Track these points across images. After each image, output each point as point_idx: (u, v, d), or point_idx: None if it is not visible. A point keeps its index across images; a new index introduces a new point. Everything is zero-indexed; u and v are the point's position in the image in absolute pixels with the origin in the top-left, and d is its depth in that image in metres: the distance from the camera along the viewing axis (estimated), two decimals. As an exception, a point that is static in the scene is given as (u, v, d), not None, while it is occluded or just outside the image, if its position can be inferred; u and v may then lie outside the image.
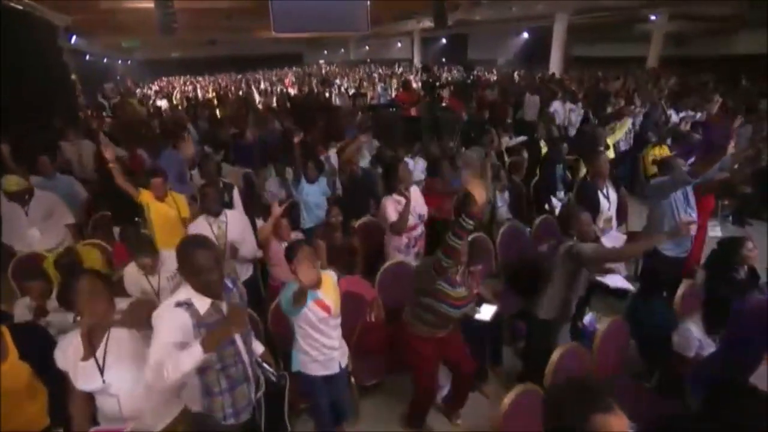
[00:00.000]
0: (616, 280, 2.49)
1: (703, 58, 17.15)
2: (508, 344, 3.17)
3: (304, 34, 18.21)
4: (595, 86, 10.42)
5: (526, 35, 21.86)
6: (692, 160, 3.62)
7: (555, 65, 16.67)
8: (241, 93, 12.73)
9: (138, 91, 15.79)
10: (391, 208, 2.85)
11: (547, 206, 3.99)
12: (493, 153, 3.68)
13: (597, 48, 20.13)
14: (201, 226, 2.72)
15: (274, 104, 10.40)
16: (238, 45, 23.93)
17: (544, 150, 4.90)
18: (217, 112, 8.99)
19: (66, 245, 3.41)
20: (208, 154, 3.71)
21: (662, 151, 5.51)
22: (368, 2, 10.92)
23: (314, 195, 3.64)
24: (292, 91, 12.78)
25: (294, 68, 25.31)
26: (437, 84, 9.03)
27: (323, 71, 21.25)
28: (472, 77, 10.66)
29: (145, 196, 3.11)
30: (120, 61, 24.72)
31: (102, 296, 1.70)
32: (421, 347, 2.29)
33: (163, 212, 3.15)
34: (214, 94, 12.47)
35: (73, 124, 6.16)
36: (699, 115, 6.23)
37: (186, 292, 1.62)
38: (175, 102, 10.95)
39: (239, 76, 20.48)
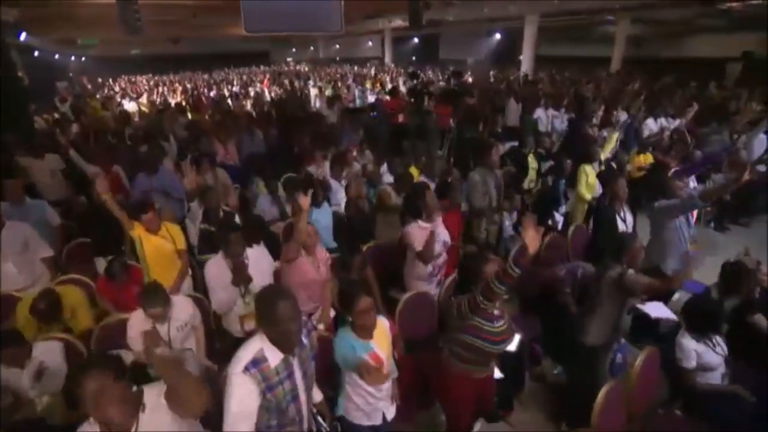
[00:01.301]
0: (657, 310, 2.49)
1: (661, 59, 18.12)
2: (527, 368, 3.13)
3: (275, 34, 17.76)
4: (569, 89, 10.68)
5: (498, 36, 22.19)
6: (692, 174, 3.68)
7: (526, 65, 17.03)
8: (212, 95, 12.10)
9: (98, 92, 14.71)
10: (418, 236, 2.72)
11: (550, 222, 3.98)
12: (499, 172, 3.63)
13: (560, 48, 20.75)
14: (218, 265, 2.47)
15: (248, 107, 10.01)
16: (203, 42, 22.99)
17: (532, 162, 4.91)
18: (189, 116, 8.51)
19: (43, 283, 3.06)
20: (211, 187, 3.40)
21: (646, 159, 5.67)
22: (342, 2, 10.68)
23: (323, 219, 3.45)
24: (268, 93, 12.31)
25: (263, 67, 24.56)
26: (425, 91, 8.93)
27: (297, 71, 20.66)
28: (458, 83, 10.60)
29: (138, 230, 2.83)
30: (73, 58, 23.16)
31: (119, 399, 1.31)
32: (458, 387, 2.20)
33: (158, 246, 2.88)
34: (183, 96, 11.77)
35: (29, 136, 5.58)
36: (677, 122, 6.45)
37: (259, 342, 1.54)
38: (142, 107, 10.26)
39: (205, 76, 19.61)
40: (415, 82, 10.27)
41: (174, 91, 12.76)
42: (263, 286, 1.77)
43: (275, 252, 3.63)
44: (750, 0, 12.51)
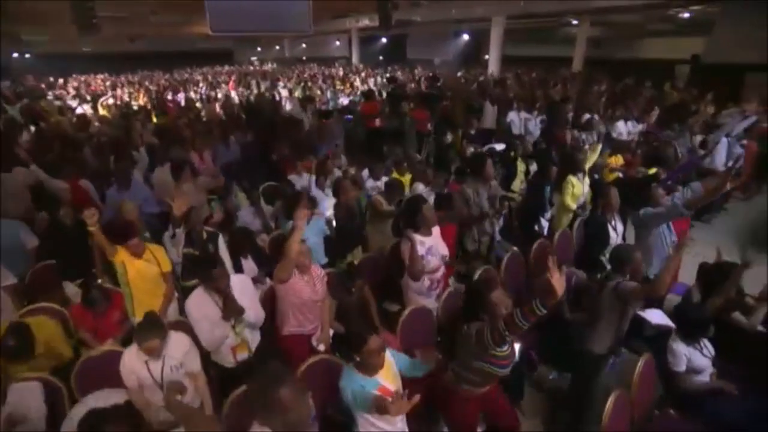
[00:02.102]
0: (656, 316, 2.59)
1: (617, 60, 19.06)
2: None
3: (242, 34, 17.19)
4: (536, 90, 10.97)
5: (466, 36, 22.55)
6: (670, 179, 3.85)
7: (493, 65, 17.42)
8: (180, 97, 11.51)
9: (49, 92, 13.68)
10: (418, 248, 2.69)
11: (536, 228, 4.06)
12: (494, 183, 3.66)
13: (524, 48, 21.36)
14: (202, 301, 2.31)
15: (218, 110, 9.63)
16: (162, 40, 21.98)
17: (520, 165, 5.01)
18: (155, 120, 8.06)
19: (6, 315, 2.78)
20: (192, 208, 3.19)
21: (617, 161, 5.90)
22: (310, 1, 10.49)
23: (312, 235, 3.34)
24: (235, 96, 11.89)
25: (227, 67, 23.77)
26: (403, 95, 8.90)
27: (264, 72, 20.09)
28: (435, 87, 10.64)
29: (122, 255, 2.63)
30: (16, 55, 21.55)
31: None
32: (464, 407, 2.20)
33: (142, 270, 2.70)
34: (146, 99, 11.12)
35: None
36: (641, 125, 6.75)
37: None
38: (102, 110, 9.62)
39: (167, 76, 18.73)
40: (392, 87, 10.21)
41: (137, 93, 12.03)
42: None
43: (263, 266, 3.54)
44: (694, 6, 13.40)
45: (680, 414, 2.56)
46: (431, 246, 2.73)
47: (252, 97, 11.61)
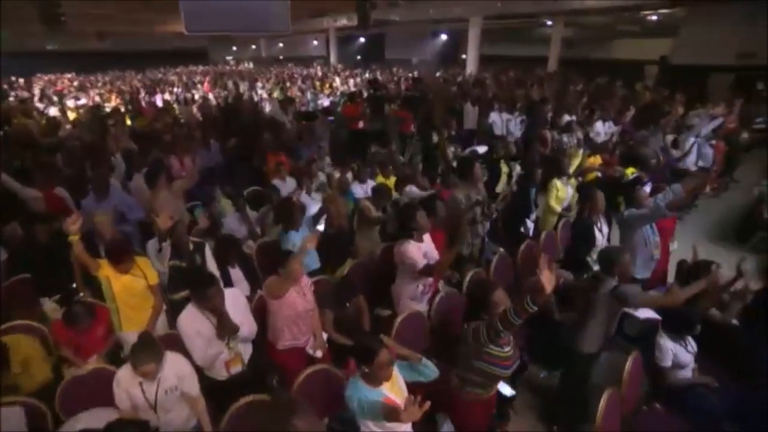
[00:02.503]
0: (644, 312, 2.69)
1: (590, 60, 19.60)
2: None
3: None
4: (514, 91, 11.16)
5: (444, 36, 22.71)
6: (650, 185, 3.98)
7: (471, 65, 17.64)
8: (158, 99, 11.13)
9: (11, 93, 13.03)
10: (415, 254, 2.70)
11: (522, 229, 4.13)
12: (481, 186, 3.70)
13: (500, 47, 21.69)
14: (195, 318, 2.24)
15: (195, 111, 9.39)
16: (133, 38, 21.27)
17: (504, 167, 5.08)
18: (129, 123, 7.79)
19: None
20: (178, 221, 3.11)
21: (596, 161, 6.08)
22: (289, 0, 10.36)
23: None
24: (213, 97, 11.63)
25: (201, 67, 23.22)
26: (386, 97, 8.89)
27: (241, 72, 19.71)
28: (418, 89, 10.67)
29: (106, 270, 2.54)
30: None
31: None
32: (472, 412, 2.24)
33: (129, 284, 2.61)
34: (119, 100, 10.71)
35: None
36: (617, 127, 6.95)
37: None
38: (70, 112, 9.22)
39: (139, 76, 18.15)
40: (374, 89, 10.18)
41: (108, 94, 11.55)
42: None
43: (250, 275, 3.47)
44: (661, 9, 13.92)
45: (665, 408, 2.66)
46: (426, 251, 2.75)
47: (230, 99, 11.39)
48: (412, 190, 4.01)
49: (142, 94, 12.06)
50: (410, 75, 16.69)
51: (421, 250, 2.71)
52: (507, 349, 2.09)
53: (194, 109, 9.47)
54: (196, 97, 11.62)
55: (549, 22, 17.12)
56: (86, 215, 3.78)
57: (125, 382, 2.00)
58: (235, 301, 2.33)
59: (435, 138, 5.95)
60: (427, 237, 2.86)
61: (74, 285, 3.15)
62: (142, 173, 4.25)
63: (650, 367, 2.70)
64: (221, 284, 2.32)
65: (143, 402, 1.99)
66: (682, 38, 13.42)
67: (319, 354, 2.63)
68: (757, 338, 2.63)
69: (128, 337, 2.57)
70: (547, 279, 1.75)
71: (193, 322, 2.19)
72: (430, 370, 2.12)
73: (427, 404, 1.71)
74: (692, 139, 5.76)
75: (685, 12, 12.99)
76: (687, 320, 2.60)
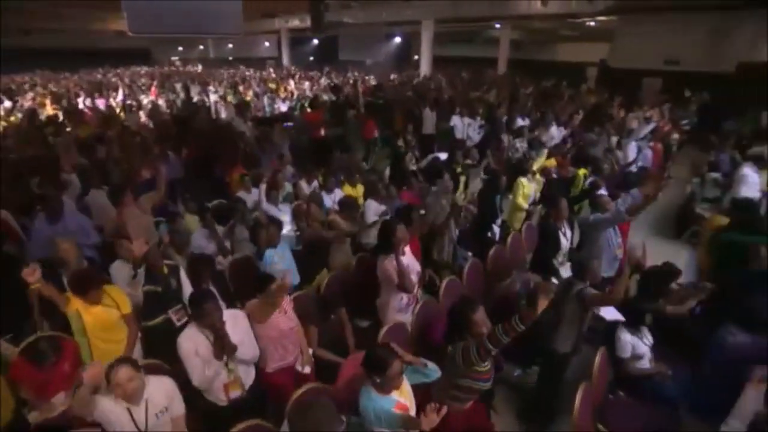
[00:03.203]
0: (610, 313, 2.93)
1: (536, 61, 20.68)
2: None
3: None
4: (468, 93, 11.54)
5: (398, 39, 22.94)
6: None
7: (425, 67, 18.01)
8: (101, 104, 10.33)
9: None
10: (395, 270, 2.78)
11: (489, 234, 4.33)
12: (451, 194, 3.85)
13: (450, 48, 22.32)
14: (194, 338, 2.20)
15: (144, 119, 8.89)
16: (66, 35, 19.60)
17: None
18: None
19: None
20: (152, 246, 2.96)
21: (551, 163, 6.46)
22: (241, 1, 10.09)
23: (281, 261, 3.27)
24: (162, 102, 11.03)
25: (144, 68, 21.93)
26: (348, 103, 8.87)
27: (190, 74, 18.79)
28: (380, 95, 10.72)
29: (76, 304, 2.39)
30: None
31: None
32: (453, 424, 2.32)
33: (100, 316, 2.47)
34: (54, 105, 9.82)
35: None
36: (566, 131, 7.43)
37: None
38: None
39: (75, 77, 16.83)
40: (335, 97, 10.13)
41: (42, 98, 10.55)
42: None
43: (225, 295, 3.38)
44: (597, 18, 14.95)
45: (627, 396, 2.93)
46: (408, 264, 2.83)
47: (179, 104, 10.85)
48: (371, 204, 4.07)
49: (82, 98, 11.19)
50: (366, 78, 16.72)
51: (403, 264, 2.79)
52: (486, 363, 2.23)
53: (142, 115, 8.96)
54: (144, 102, 10.99)
55: (497, 25, 17.84)
56: (35, 240, 3.55)
57: (110, 412, 1.91)
58: (235, 322, 2.30)
59: (401, 144, 6.05)
60: (407, 249, 2.94)
61: (30, 320, 2.91)
62: (102, 189, 4.00)
63: (613, 360, 2.96)
64: (219, 301, 2.27)
65: (133, 429, 1.92)
66: (616, 44, 14.50)
67: (307, 370, 2.64)
68: (705, 329, 2.94)
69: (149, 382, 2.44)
70: (542, 304, 1.91)
71: (192, 341, 2.17)
72: (433, 371, 2.25)
73: (444, 409, 1.81)
74: (634, 143, 6.28)
75: (617, 20, 14.01)
76: (638, 313, 2.88)
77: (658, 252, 3.46)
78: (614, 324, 2.93)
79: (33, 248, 3.46)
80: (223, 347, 2.14)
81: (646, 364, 2.95)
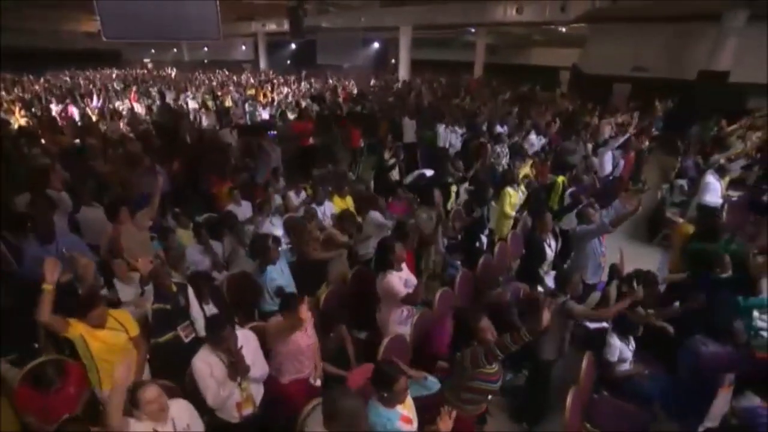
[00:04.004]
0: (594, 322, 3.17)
1: (511, 65, 21.25)
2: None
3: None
4: (449, 99, 11.79)
5: (376, 44, 23.05)
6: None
7: (403, 72, 18.24)
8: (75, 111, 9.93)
9: None
10: (398, 283, 2.92)
11: (477, 244, 4.53)
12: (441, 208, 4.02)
13: (427, 52, 22.64)
14: (209, 360, 2.27)
15: (123, 127, 8.68)
16: (30, 35, 18.72)
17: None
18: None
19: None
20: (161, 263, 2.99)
21: (532, 171, 6.74)
22: (217, 3, 9.96)
23: (280, 277, 3.34)
24: (140, 109, 10.78)
25: (115, 71, 21.25)
26: (333, 114, 8.94)
27: (165, 78, 18.33)
28: (364, 105, 10.82)
29: (79, 329, 2.41)
30: None
31: None
32: (466, 428, 2.48)
33: (107, 340, 2.49)
34: (23, 112, 9.30)
35: None
36: (545, 139, 7.73)
37: None
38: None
39: (42, 80, 16.15)
40: (319, 106, 10.17)
41: (10, 105, 9.96)
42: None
43: (225, 312, 3.43)
44: (570, 24, 15.52)
45: (611, 395, 3.16)
46: (406, 279, 2.98)
47: (155, 109, 10.57)
48: (375, 216, 4.19)
49: (54, 104, 10.77)
50: (346, 83, 16.77)
51: (402, 279, 2.93)
52: (494, 365, 2.40)
53: (121, 124, 8.77)
54: (120, 108, 10.69)
55: (472, 30, 18.23)
56: (27, 263, 3.46)
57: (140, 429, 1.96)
58: (247, 343, 2.37)
59: (388, 156, 6.18)
60: (404, 265, 3.08)
61: (36, 344, 2.89)
62: (93, 206, 3.95)
63: (598, 363, 3.19)
64: (235, 326, 2.36)
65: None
66: (587, 50, 15.10)
67: (318, 383, 2.75)
68: (680, 335, 3.19)
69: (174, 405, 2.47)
70: (546, 319, 2.13)
71: (206, 363, 2.24)
72: (433, 383, 2.38)
73: (454, 413, 1.97)
74: (609, 153, 6.63)
75: (588, 28, 14.59)
76: (632, 324, 3.13)
77: (632, 255, 3.72)
78: (598, 331, 3.16)
79: (25, 273, 3.39)
80: (238, 370, 2.23)
81: (627, 366, 3.20)
